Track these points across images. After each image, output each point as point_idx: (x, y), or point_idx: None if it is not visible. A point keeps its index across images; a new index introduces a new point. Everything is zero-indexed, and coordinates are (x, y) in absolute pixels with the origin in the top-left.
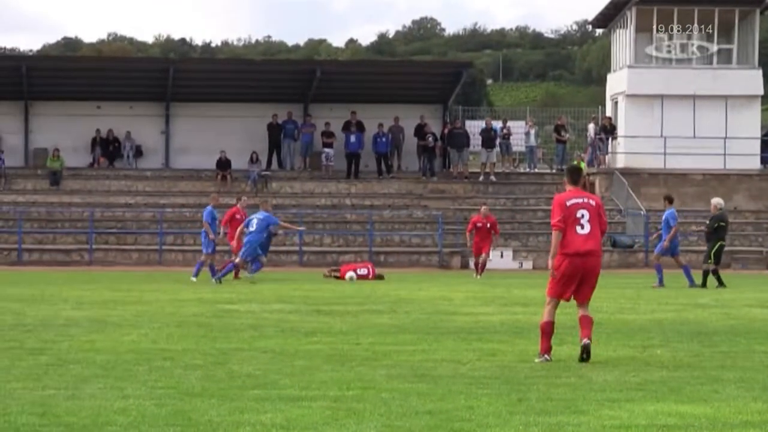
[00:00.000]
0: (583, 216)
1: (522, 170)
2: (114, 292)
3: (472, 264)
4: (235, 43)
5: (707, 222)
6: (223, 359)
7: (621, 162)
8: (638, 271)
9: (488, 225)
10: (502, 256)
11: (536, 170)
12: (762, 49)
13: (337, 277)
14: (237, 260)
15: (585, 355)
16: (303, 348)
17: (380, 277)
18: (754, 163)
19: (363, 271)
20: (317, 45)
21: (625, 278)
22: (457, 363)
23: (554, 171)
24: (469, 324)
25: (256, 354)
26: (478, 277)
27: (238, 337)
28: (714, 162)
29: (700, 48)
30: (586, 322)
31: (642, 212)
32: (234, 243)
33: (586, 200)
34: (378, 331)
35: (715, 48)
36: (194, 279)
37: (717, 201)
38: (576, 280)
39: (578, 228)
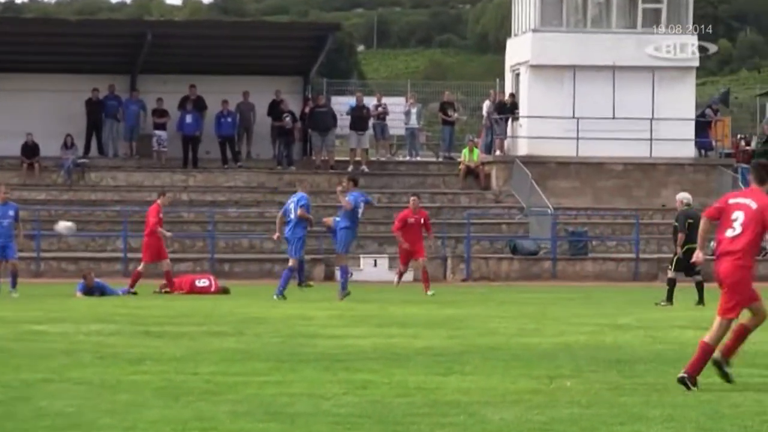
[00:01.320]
0: (737, 219)
1: (401, 158)
2: None
3: (395, 276)
4: None
5: (674, 221)
6: (27, 393)
7: (523, 149)
8: (544, 284)
9: (421, 221)
10: (375, 264)
11: (418, 158)
12: (697, 9)
13: (169, 292)
14: (291, 263)
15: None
16: (127, 379)
17: (224, 291)
18: (687, 151)
19: (203, 283)
20: (147, 2)
21: (527, 292)
22: (319, 398)
23: (440, 159)
24: (333, 349)
25: (68, 386)
26: (429, 293)
27: (46, 366)
28: (638, 149)
29: (620, 6)
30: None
31: (549, 211)
32: (276, 235)
33: (748, 201)
34: (221, 358)
35: (640, 7)
36: (280, 296)
37: (683, 195)
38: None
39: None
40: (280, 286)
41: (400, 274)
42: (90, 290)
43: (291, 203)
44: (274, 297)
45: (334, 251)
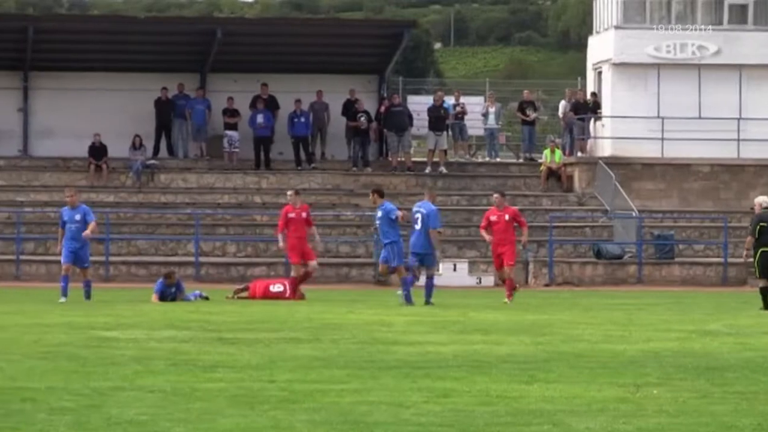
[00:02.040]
0: None
1: (480, 159)
2: None
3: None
4: None
5: (749, 225)
6: (99, 401)
7: (607, 150)
8: (629, 289)
9: (506, 218)
10: (455, 269)
11: (498, 159)
12: None
13: (246, 298)
14: (409, 270)
15: None
16: (201, 386)
17: (300, 297)
18: None
19: (278, 288)
20: None
21: (612, 298)
22: (399, 406)
23: (521, 160)
24: (414, 356)
25: (140, 394)
26: (508, 301)
27: (118, 373)
28: (725, 149)
29: (706, 3)
30: None
31: (634, 213)
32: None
33: None
34: (297, 366)
35: (726, 3)
36: (406, 300)
37: (762, 199)
38: None
39: None
40: (404, 291)
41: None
42: (168, 288)
43: (419, 212)
44: (400, 302)
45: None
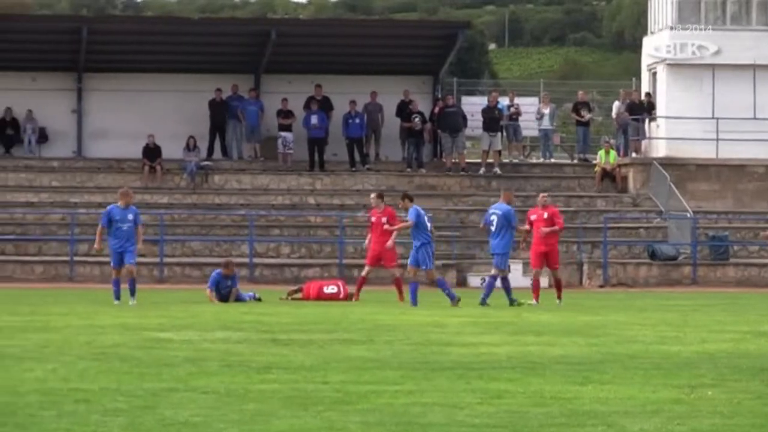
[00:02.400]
0: None
1: (534, 160)
2: (12, 316)
3: (530, 283)
4: None
5: None
6: (152, 402)
7: (661, 150)
8: (683, 290)
9: (545, 216)
10: (509, 270)
11: (552, 160)
12: None
13: (300, 299)
14: (493, 271)
15: None
16: (255, 388)
17: (347, 297)
18: None
19: (331, 290)
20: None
21: (667, 299)
22: (453, 407)
23: (575, 161)
24: (467, 358)
25: (194, 395)
26: (557, 302)
27: (171, 374)
28: None
29: (761, 3)
30: None
31: (688, 214)
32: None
33: None
34: (351, 367)
35: None
36: (484, 304)
37: None
38: None
39: None
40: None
41: (535, 285)
42: (225, 280)
43: (494, 214)
44: (480, 304)
45: (419, 270)
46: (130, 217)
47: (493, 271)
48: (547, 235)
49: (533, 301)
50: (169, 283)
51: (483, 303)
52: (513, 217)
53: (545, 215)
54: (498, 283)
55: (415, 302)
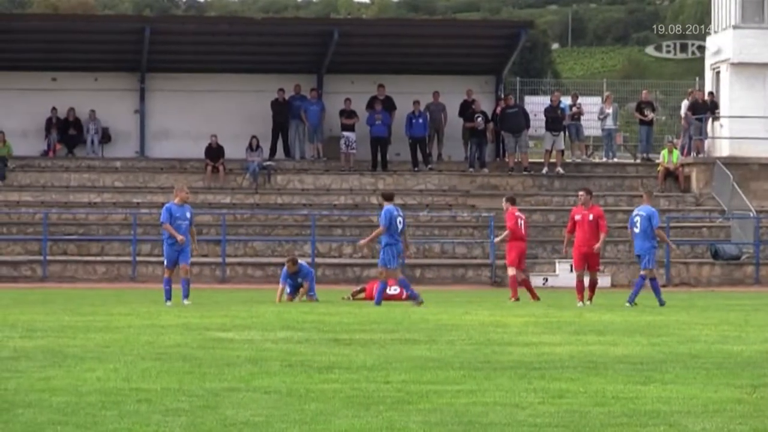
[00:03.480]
0: None
1: (597, 160)
2: (74, 315)
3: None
4: None
5: None
6: (214, 402)
7: (725, 150)
8: (746, 289)
9: (590, 218)
10: (571, 270)
11: (615, 160)
12: None
13: (362, 299)
14: (644, 272)
15: None
16: (316, 387)
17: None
18: None
19: (393, 290)
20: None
21: (729, 298)
22: (515, 407)
23: (638, 161)
24: (529, 357)
25: (256, 395)
26: (587, 303)
27: (232, 374)
28: None
29: None
30: None
31: (751, 214)
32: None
33: None
34: (413, 366)
35: None
36: (632, 304)
37: None
38: None
39: None
40: (632, 294)
41: (579, 287)
42: (293, 277)
43: (638, 216)
44: (627, 304)
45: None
46: (188, 215)
47: (642, 272)
48: (590, 233)
49: (579, 303)
50: (231, 283)
51: (631, 302)
52: (656, 217)
53: (591, 217)
54: (647, 283)
55: (378, 301)
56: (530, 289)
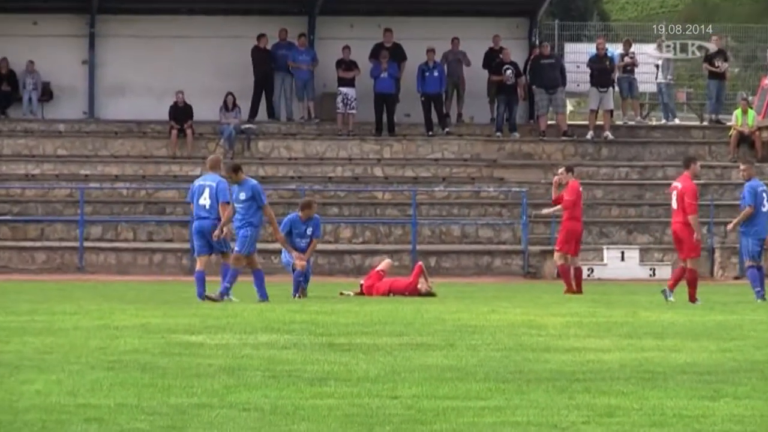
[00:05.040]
0: None
1: (654, 122)
2: (8, 315)
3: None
4: None
5: None
6: (180, 422)
7: None
8: None
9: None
10: (623, 258)
11: (676, 122)
12: None
13: (360, 293)
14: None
15: None
16: (307, 404)
17: (430, 293)
18: None
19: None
20: None
21: None
22: (552, 427)
23: (705, 123)
24: (570, 366)
25: (232, 413)
26: (670, 299)
27: (203, 387)
28: None
29: None
30: None
31: None
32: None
33: None
34: (426, 378)
35: None
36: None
37: None
38: None
39: None
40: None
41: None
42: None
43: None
44: (758, 301)
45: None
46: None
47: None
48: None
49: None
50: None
51: (761, 297)
52: (749, 194)
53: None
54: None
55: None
56: (579, 282)
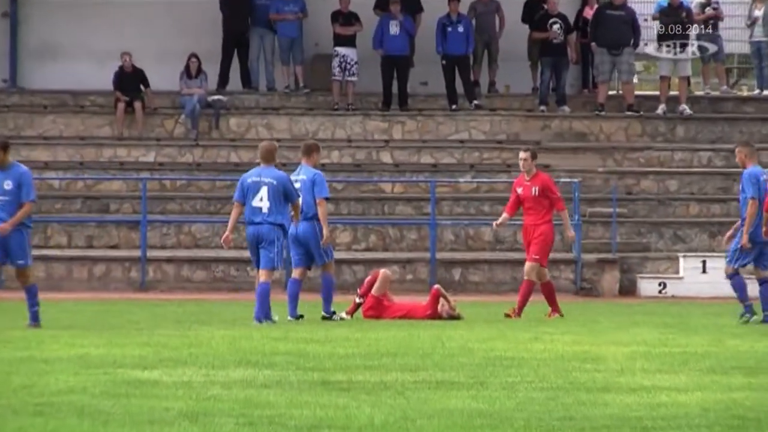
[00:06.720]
0: None
1: (744, 93)
2: None
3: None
4: None
5: None
6: None
7: None
8: None
9: (533, 191)
10: (704, 269)
11: None
12: None
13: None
14: None
15: None
16: None
17: (454, 316)
18: None
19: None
20: None
21: None
22: None
23: None
24: (638, 410)
25: None
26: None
27: None
28: None
29: None
30: None
31: None
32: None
33: None
34: (449, 426)
35: None
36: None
37: None
38: None
39: None
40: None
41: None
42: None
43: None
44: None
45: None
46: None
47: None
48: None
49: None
50: (155, 291)
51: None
52: (748, 184)
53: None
54: None
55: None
56: (553, 299)
